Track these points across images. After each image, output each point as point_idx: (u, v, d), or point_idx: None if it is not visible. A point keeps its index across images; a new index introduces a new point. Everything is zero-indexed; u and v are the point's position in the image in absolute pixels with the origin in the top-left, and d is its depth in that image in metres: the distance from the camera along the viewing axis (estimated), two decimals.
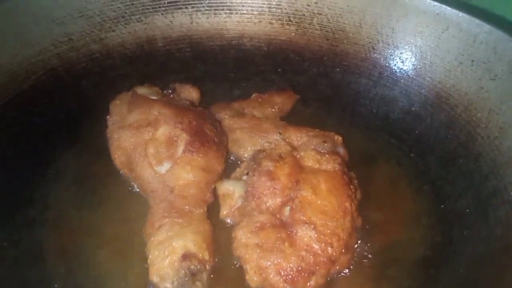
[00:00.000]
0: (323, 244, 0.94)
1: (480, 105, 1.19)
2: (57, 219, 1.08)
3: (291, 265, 0.92)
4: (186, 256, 0.92)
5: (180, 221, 0.96)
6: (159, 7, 1.45)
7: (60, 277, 0.97)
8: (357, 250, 1.03)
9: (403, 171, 1.22)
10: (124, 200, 1.13)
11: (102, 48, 1.40)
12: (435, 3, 1.30)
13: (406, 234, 1.08)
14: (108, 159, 1.16)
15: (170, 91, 1.32)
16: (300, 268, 0.92)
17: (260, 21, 1.49)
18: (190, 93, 1.32)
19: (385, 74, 1.38)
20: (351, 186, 1.05)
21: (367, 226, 1.08)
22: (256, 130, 1.23)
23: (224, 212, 1.08)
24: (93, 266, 1.00)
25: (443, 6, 1.29)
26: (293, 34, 1.48)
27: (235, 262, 1.00)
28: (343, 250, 0.96)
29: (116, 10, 1.40)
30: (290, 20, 1.47)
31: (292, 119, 1.35)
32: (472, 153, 1.16)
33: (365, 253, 1.03)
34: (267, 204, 1.00)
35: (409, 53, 1.35)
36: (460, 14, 1.26)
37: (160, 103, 1.13)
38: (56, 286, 0.96)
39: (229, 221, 1.09)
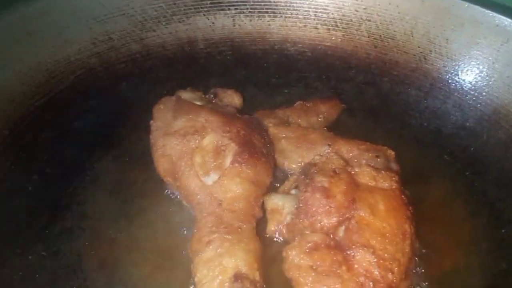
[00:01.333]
0: (383, 270, 0.88)
1: None
2: (95, 229, 1.04)
3: None
4: (238, 277, 0.86)
5: (230, 237, 0.91)
6: (202, 7, 1.40)
7: None
8: (418, 277, 0.96)
9: (458, 191, 1.15)
10: (165, 210, 1.08)
11: (143, 48, 1.36)
12: (494, 13, 1.24)
13: (464, 260, 1.01)
14: (148, 165, 1.11)
15: (212, 96, 1.27)
16: None
17: (305, 25, 1.44)
18: (233, 98, 1.26)
19: (437, 86, 1.32)
20: (410, 207, 0.98)
21: (424, 250, 1.01)
22: (303, 140, 1.17)
23: (271, 228, 1.02)
24: (133, 281, 0.95)
25: (503, 17, 1.22)
26: (339, 40, 1.42)
27: (285, 282, 0.94)
28: (403, 277, 0.90)
29: (157, 9, 1.36)
30: (336, 26, 1.42)
31: (337, 129, 1.28)
32: None
33: (424, 280, 0.96)
34: (322, 223, 0.94)
35: (464, 65, 1.28)
36: None
37: (207, 110, 1.07)
38: None
39: (276, 238, 1.03)
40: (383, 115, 1.35)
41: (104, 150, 1.19)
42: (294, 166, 1.14)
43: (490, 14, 1.24)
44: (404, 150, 1.24)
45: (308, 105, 1.32)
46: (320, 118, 1.29)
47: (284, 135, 1.19)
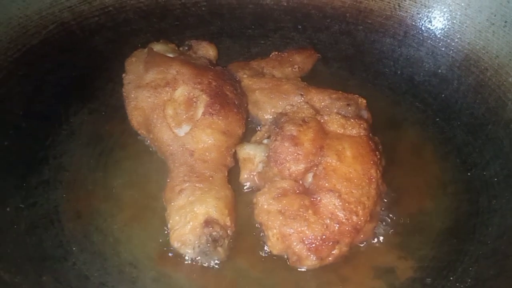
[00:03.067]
0: (348, 213, 0.91)
1: None
2: (71, 181, 1.06)
3: (315, 233, 0.90)
4: (208, 222, 0.89)
5: (201, 186, 0.93)
6: None
7: (77, 241, 0.95)
8: (383, 218, 0.99)
9: (428, 137, 1.18)
10: (141, 161, 1.10)
11: (116, 1, 1.34)
12: None
13: (431, 202, 1.05)
14: (124, 118, 1.13)
15: (187, 48, 1.27)
16: (324, 237, 0.89)
17: None
18: (207, 50, 1.27)
19: (411, 34, 1.32)
20: (377, 152, 1.01)
21: (392, 194, 1.04)
22: (276, 91, 1.18)
23: (244, 176, 1.05)
24: (110, 231, 0.98)
25: None
26: None
27: (257, 227, 0.97)
28: (368, 219, 0.93)
29: None
30: None
31: (312, 79, 1.30)
32: (502, 119, 1.12)
33: (389, 222, 1.00)
34: (290, 170, 0.97)
35: (437, 12, 1.29)
36: None
37: (178, 61, 1.08)
38: (74, 249, 0.94)
39: (248, 185, 1.06)
40: (357, 64, 1.36)
41: (80, 103, 1.20)
42: (267, 116, 1.16)
43: None
44: (377, 99, 1.27)
45: (283, 55, 1.32)
46: (295, 68, 1.30)
47: (257, 86, 1.20)
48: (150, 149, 1.11)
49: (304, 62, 1.33)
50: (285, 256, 0.93)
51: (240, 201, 1.01)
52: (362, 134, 1.01)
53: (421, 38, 1.30)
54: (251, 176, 1.05)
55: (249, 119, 1.18)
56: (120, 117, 1.14)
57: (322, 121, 1.04)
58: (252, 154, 1.05)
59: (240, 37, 1.42)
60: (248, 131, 1.14)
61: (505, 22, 1.17)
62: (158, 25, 1.38)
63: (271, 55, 1.32)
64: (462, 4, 1.24)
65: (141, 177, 1.08)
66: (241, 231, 0.98)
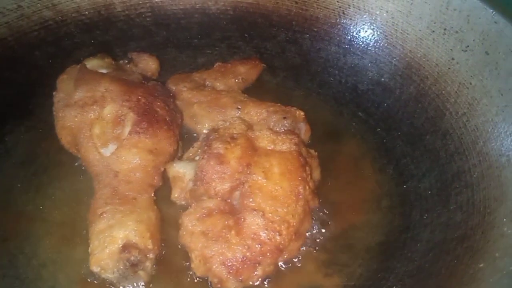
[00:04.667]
0: (271, 232, 0.90)
1: (451, 78, 1.12)
2: (2, 202, 1.04)
3: (236, 255, 0.89)
4: (126, 247, 0.88)
5: (122, 208, 0.92)
6: None
7: (1, 266, 0.94)
8: (312, 234, 0.98)
9: (368, 148, 1.17)
10: (74, 181, 1.09)
11: (56, 15, 1.32)
12: None
13: (364, 217, 1.04)
14: None
15: (127, 61, 1.25)
16: (245, 259, 0.88)
17: None
18: (148, 63, 1.26)
19: (355, 42, 1.30)
20: (307, 168, 0.99)
21: (325, 209, 1.03)
22: (214, 104, 1.17)
23: (175, 194, 1.04)
24: (36, 254, 0.97)
25: None
26: None
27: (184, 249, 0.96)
28: (293, 237, 0.92)
29: None
30: None
31: (257, 90, 1.29)
32: (439, 129, 1.10)
33: (319, 239, 0.99)
34: (216, 189, 0.95)
35: (380, 19, 1.27)
36: None
37: (107, 78, 1.06)
38: None
39: (182, 203, 1.04)
40: (303, 73, 1.34)
41: (16, 121, 1.19)
42: (205, 131, 1.14)
43: None
44: (321, 109, 1.26)
45: (227, 66, 1.31)
46: (238, 79, 1.29)
47: (196, 100, 1.19)
48: (83, 168, 1.09)
49: (248, 73, 1.31)
50: (208, 279, 0.91)
51: (174, 220, 0.99)
52: (292, 149, 1.00)
53: (365, 46, 1.29)
54: (183, 194, 1.04)
55: (186, 135, 1.17)
56: (57, 136, 1.12)
57: (253, 137, 1.02)
58: (182, 172, 1.03)
59: (186, 47, 1.40)
60: (187, 146, 1.12)
61: (444, 29, 1.15)
62: (101, 37, 1.36)
63: (214, 66, 1.30)
64: (404, 11, 1.22)
65: (73, 197, 1.06)
66: (171, 252, 0.97)
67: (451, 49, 1.13)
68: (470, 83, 1.08)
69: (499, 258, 0.78)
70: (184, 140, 1.14)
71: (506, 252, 0.78)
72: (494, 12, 1.07)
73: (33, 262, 0.96)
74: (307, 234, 0.98)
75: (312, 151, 1.08)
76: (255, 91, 1.26)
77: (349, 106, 1.26)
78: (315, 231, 1.00)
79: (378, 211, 1.05)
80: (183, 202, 1.04)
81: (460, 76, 1.11)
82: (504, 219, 0.84)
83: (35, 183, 1.09)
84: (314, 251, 0.97)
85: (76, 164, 1.11)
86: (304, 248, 0.97)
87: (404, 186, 1.08)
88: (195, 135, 1.17)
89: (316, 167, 1.07)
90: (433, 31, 1.17)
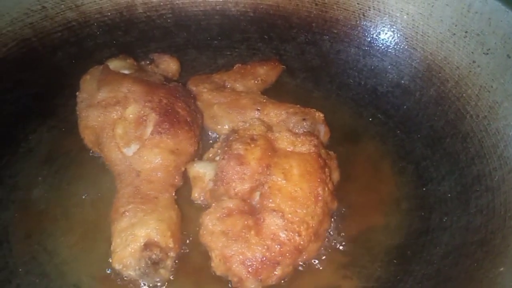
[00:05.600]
0: (291, 233, 0.91)
1: (472, 81, 1.12)
2: (24, 200, 1.06)
3: (256, 255, 0.89)
4: (148, 245, 0.89)
5: (144, 207, 0.93)
6: None
7: (24, 263, 0.96)
8: (331, 236, 0.99)
9: (387, 150, 1.17)
10: (95, 180, 1.11)
11: (79, 16, 1.34)
12: None
13: (383, 219, 1.04)
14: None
15: (148, 62, 1.27)
16: (264, 259, 0.89)
17: None
18: (169, 64, 1.27)
19: (375, 44, 1.31)
20: (326, 169, 1.00)
21: (344, 210, 1.03)
22: (234, 106, 1.18)
23: (195, 194, 1.05)
24: (58, 251, 0.99)
25: None
26: None
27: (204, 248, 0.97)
28: (312, 238, 0.93)
29: None
30: None
31: (277, 91, 1.30)
32: (460, 132, 1.10)
33: (338, 240, 0.99)
34: (236, 189, 0.96)
35: (400, 21, 1.27)
36: None
37: (130, 79, 1.08)
38: (20, 270, 0.95)
39: (201, 202, 1.05)
40: (323, 75, 1.35)
41: (39, 120, 1.21)
42: (224, 131, 1.15)
43: None
44: (340, 110, 1.27)
45: (246, 68, 1.32)
46: (258, 81, 1.29)
47: (216, 101, 1.20)
48: (106, 167, 1.11)
49: (268, 74, 1.32)
50: (228, 278, 0.92)
51: (194, 220, 1.01)
52: (311, 151, 1.01)
53: (385, 48, 1.29)
54: (203, 194, 1.05)
55: (208, 134, 1.18)
56: (79, 135, 1.14)
57: (272, 138, 1.03)
58: (202, 172, 1.04)
59: (207, 49, 1.41)
60: (207, 147, 1.14)
61: (466, 32, 1.15)
62: (123, 38, 1.38)
63: (234, 68, 1.31)
64: (425, 13, 1.22)
65: (95, 196, 1.08)
66: (192, 251, 0.98)
67: (472, 52, 1.13)
68: (491, 86, 1.07)
69: None
70: (204, 140, 1.15)
71: None
72: None
73: (55, 259, 0.98)
74: (326, 235, 0.98)
75: (331, 152, 1.09)
76: (275, 93, 1.27)
77: (368, 108, 1.26)
78: (334, 233, 1.00)
79: (397, 213, 1.05)
80: (203, 202, 1.05)
81: (481, 79, 1.10)
82: None
83: (57, 181, 1.11)
84: (333, 253, 0.97)
85: (98, 163, 1.12)
86: (323, 250, 0.97)
87: (424, 189, 1.07)
88: (215, 135, 1.17)
89: (335, 168, 1.08)
90: (454, 34, 1.17)
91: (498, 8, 1.09)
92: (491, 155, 1.01)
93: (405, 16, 1.25)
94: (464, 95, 1.12)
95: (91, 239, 1.01)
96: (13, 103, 1.20)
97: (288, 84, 1.34)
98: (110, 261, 0.92)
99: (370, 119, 1.24)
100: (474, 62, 1.12)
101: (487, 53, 1.10)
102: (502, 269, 0.80)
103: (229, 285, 0.93)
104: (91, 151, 1.13)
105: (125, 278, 0.93)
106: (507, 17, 1.08)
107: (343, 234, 1.01)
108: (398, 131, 1.20)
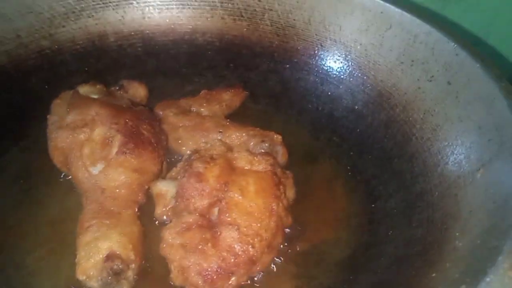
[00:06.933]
0: (245, 245, 0.97)
1: (417, 106, 1.21)
2: None
3: (211, 265, 0.95)
4: (110, 257, 0.95)
5: (108, 222, 0.99)
6: (110, 2, 1.46)
7: None
8: (284, 249, 1.05)
9: (341, 170, 1.25)
10: (65, 198, 1.16)
11: (52, 44, 1.41)
12: (380, 1, 1.31)
13: (335, 234, 1.10)
14: None
15: (118, 88, 1.34)
16: (219, 269, 0.95)
17: (212, 16, 1.50)
18: (137, 90, 1.34)
19: (331, 72, 1.40)
20: (281, 187, 1.07)
21: (298, 227, 1.10)
22: (198, 128, 1.25)
23: (158, 211, 1.11)
24: (26, 264, 1.03)
25: (387, 4, 1.29)
26: (245, 29, 1.49)
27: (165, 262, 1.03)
28: (265, 250, 0.99)
29: (66, 5, 1.41)
30: (242, 16, 1.48)
31: (240, 116, 1.37)
32: (406, 153, 1.18)
33: (291, 253, 1.06)
34: (195, 205, 1.03)
35: (354, 51, 1.36)
36: (402, 13, 1.27)
37: (98, 103, 1.14)
38: None
39: (164, 219, 1.11)
40: (284, 101, 1.43)
41: (12, 142, 1.26)
42: (188, 152, 1.22)
43: (377, 1, 1.31)
44: (299, 134, 1.35)
45: (212, 94, 1.39)
46: (222, 106, 1.37)
47: (181, 124, 1.27)
48: (74, 188, 1.16)
49: (232, 100, 1.40)
50: None
51: (156, 235, 1.06)
52: (268, 169, 1.08)
53: (341, 76, 1.38)
54: (165, 211, 1.11)
55: (174, 157, 1.25)
56: (50, 156, 1.20)
57: (231, 157, 1.10)
58: (165, 190, 1.11)
59: (175, 76, 1.49)
60: (171, 167, 1.20)
61: (412, 61, 1.24)
62: (94, 66, 1.44)
63: (200, 93, 1.39)
64: (376, 44, 1.32)
65: (63, 213, 1.13)
66: (152, 265, 1.04)
67: (418, 79, 1.22)
68: (434, 110, 1.16)
69: (449, 268, 0.85)
70: (168, 161, 1.22)
71: (455, 263, 0.85)
72: (455, 45, 1.16)
73: (22, 271, 1.02)
74: (279, 248, 1.05)
75: (288, 172, 1.16)
76: (238, 117, 1.35)
77: (325, 131, 1.34)
78: (287, 246, 1.06)
79: (348, 228, 1.12)
80: (165, 219, 1.11)
81: (425, 104, 1.19)
82: (457, 233, 0.92)
83: (28, 199, 1.16)
84: (286, 264, 1.04)
85: (67, 183, 1.18)
86: (276, 261, 1.03)
87: (372, 205, 1.15)
88: (180, 157, 1.24)
89: (291, 187, 1.15)
90: (402, 63, 1.26)
91: (440, 39, 1.19)
92: (432, 173, 1.09)
93: (358, 46, 1.35)
94: (410, 118, 1.21)
95: (58, 253, 1.06)
96: None
97: (251, 109, 1.42)
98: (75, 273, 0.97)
99: (327, 142, 1.32)
100: (419, 88, 1.21)
101: (431, 80, 1.19)
102: (434, 274, 0.87)
103: None
104: (62, 174, 1.19)
105: None
106: (448, 47, 1.17)
107: (296, 247, 1.07)
108: (352, 153, 1.28)
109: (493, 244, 0.77)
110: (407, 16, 1.26)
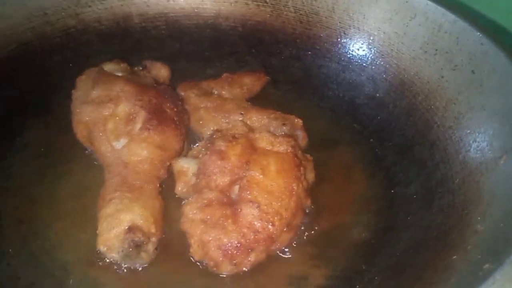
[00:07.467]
0: (265, 222, 0.98)
1: (440, 94, 1.21)
2: (18, 189, 1.13)
3: (231, 240, 0.96)
4: (131, 229, 0.96)
5: (130, 195, 1.00)
6: None
7: (14, 245, 1.02)
8: (302, 229, 1.06)
9: (361, 156, 1.25)
10: (86, 173, 1.17)
11: (78, 23, 1.43)
12: None
13: (353, 217, 1.11)
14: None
15: (141, 68, 1.35)
16: (239, 244, 0.96)
17: (236, 1, 1.51)
18: (160, 70, 1.35)
19: (354, 59, 1.40)
20: (301, 168, 1.07)
21: (317, 208, 1.10)
22: (219, 110, 1.26)
23: (178, 188, 1.12)
24: (48, 236, 1.05)
25: None
26: (268, 16, 1.49)
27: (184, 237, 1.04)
28: (284, 229, 1.00)
29: None
30: (265, 2, 1.49)
31: (261, 100, 1.38)
32: (427, 140, 1.18)
33: (310, 233, 1.06)
34: (216, 182, 1.03)
35: (377, 39, 1.36)
36: (428, 3, 1.27)
37: (123, 80, 1.16)
38: (10, 251, 1.01)
39: (185, 196, 1.12)
40: (305, 87, 1.43)
41: (35, 117, 1.28)
42: (209, 133, 1.23)
43: None
44: (320, 119, 1.35)
45: (234, 77, 1.40)
46: (243, 89, 1.38)
47: (203, 105, 1.28)
48: (95, 162, 1.18)
49: (253, 84, 1.40)
50: (205, 263, 0.99)
51: (176, 211, 1.07)
52: (289, 151, 1.08)
53: (363, 64, 1.38)
54: (186, 188, 1.12)
55: (192, 137, 1.26)
56: (72, 132, 1.21)
57: (253, 138, 1.11)
58: (186, 167, 1.12)
59: (197, 59, 1.50)
60: (191, 146, 1.21)
61: (436, 50, 1.24)
62: (118, 46, 1.46)
63: (222, 76, 1.40)
64: (399, 32, 1.31)
65: (84, 187, 1.14)
66: (171, 239, 1.05)
67: (441, 68, 1.22)
68: (457, 99, 1.16)
69: (470, 251, 0.85)
70: (189, 141, 1.23)
71: (477, 245, 0.85)
72: (480, 35, 1.15)
73: (44, 243, 1.03)
74: (298, 228, 1.05)
75: (308, 155, 1.17)
76: (259, 101, 1.35)
77: (345, 118, 1.34)
78: (306, 227, 1.07)
79: (367, 212, 1.12)
80: (186, 196, 1.12)
81: (448, 92, 1.19)
82: (479, 218, 0.92)
83: (50, 173, 1.17)
84: (304, 245, 1.04)
85: (87, 159, 1.20)
86: (294, 241, 1.04)
87: (392, 191, 1.15)
88: (201, 138, 1.25)
89: (310, 170, 1.15)
90: (426, 52, 1.26)
91: (465, 29, 1.19)
92: (454, 160, 1.09)
93: (382, 35, 1.35)
94: (432, 107, 1.21)
95: (79, 225, 1.07)
96: (13, 100, 1.27)
97: (272, 95, 1.43)
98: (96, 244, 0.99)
99: (347, 128, 1.32)
100: (442, 77, 1.21)
101: (454, 69, 1.19)
102: (455, 257, 0.87)
103: (205, 269, 0.99)
104: (84, 150, 1.21)
105: (108, 261, 0.99)
106: (473, 37, 1.17)
107: (315, 228, 1.07)
108: (372, 140, 1.28)
109: None
110: (432, 6, 1.26)
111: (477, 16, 1.30)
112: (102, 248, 0.97)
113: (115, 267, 0.99)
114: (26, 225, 1.07)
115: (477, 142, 1.07)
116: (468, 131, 1.10)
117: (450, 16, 1.22)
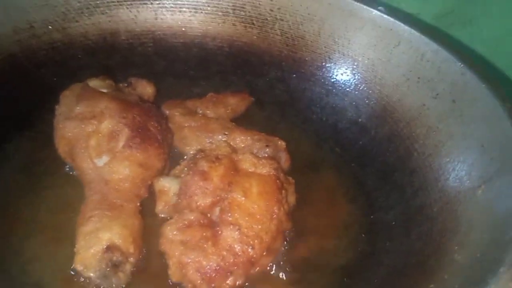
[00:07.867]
0: (245, 246, 0.97)
1: (421, 122, 1.23)
2: None
3: (211, 263, 0.96)
4: (110, 248, 0.95)
5: (110, 214, 1.00)
6: (125, 0, 1.48)
7: None
8: (282, 253, 1.06)
9: (342, 180, 1.26)
10: (66, 189, 1.16)
11: (64, 37, 1.43)
12: (390, 18, 1.33)
13: (333, 242, 1.11)
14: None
15: (126, 85, 1.35)
16: (218, 267, 0.95)
17: (224, 22, 1.52)
18: (145, 88, 1.35)
19: (337, 84, 1.41)
20: (283, 191, 1.08)
21: (297, 232, 1.11)
22: (203, 129, 1.26)
23: (159, 207, 1.11)
24: (23, 252, 1.03)
25: (397, 22, 1.32)
26: (255, 37, 1.51)
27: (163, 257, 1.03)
28: (264, 253, 1.00)
29: (81, 1, 1.43)
30: (253, 23, 1.50)
31: (245, 121, 1.38)
32: (407, 167, 1.20)
33: (290, 257, 1.06)
34: (198, 203, 1.03)
35: (362, 65, 1.38)
36: (411, 31, 1.29)
37: (107, 97, 1.16)
38: None
39: (164, 216, 1.12)
40: (289, 109, 1.44)
41: (18, 131, 1.26)
42: (192, 152, 1.23)
43: (387, 18, 1.34)
44: (303, 142, 1.36)
45: (218, 97, 1.41)
46: (228, 109, 1.38)
47: (187, 124, 1.28)
48: (76, 179, 1.17)
49: (238, 105, 1.41)
50: (183, 285, 0.98)
51: (156, 231, 1.07)
52: (271, 173, 1.09)
53: (346, 89, 1.40)
54: (166, 208, 1.12)
55: (177, 154, 1.26)
56: (54, 147, 1.20)
57: (236, 159, 1.11)
58: (167, 187, 1.11)
59: (183, 78, 1.50)
60: (174, 165, 1.21)
61: (418, 78, 1.26)
62: (104, 62, 1.46)
63: (207, 96, 1.40)
64: (383, 59, 1.34)
65: (63, 203, 1.13)
66: (150, 260, 1.04)
67: (423, 96, 1.24)
68: (438, 127, 1.18)
69: (447, 280, 0.86)
70: (172, 159, 1.23)
71: (454, 274, 0.86)
72: (462, 65, 1.18)
73: (19, 258, 1.02)
74: (278, 251, 1.05)
75: (290, 178, 1.17)
76: (243, 122, 1.35)
77: (328, 141, 1.36)
78: (286, 250, 1.07)
79: (346, 237, 1.12)
80: (166, 215, 1.12)
81: (429, 120, 1.21)
82: (456, 247, 0.93)
83: (30, 188, 1.16)
84: (283, 269, 1.04)
85: (68, 175, 1.19)
86: (274, 265, 1.04)
87: (372, 217, 1.16)
88: (184, 157, 1.25)
89: (292, 193, 1.16)
90: (408, 79, 1.28)
91: (447, 58, 1.21)
92: (433, 188, 1.10)
93: (366, 61, 1.37)
94: (413, 134, 1.23)
95: (56, 242, 1.05)
96: None
97: (256, 115, 1.43)
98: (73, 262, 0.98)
99: (329, 152, 1.33)
100: (424, 105, 1.23)
101: (436, 98, 1.21)
102: (432, 286, 0.88)
103: None
104: (65, 166, 1.19)
105: (84, 280, 0.98)
106: (454, 67, 1.19)
107: (295, 252, 1.08)
108: (353, 164, 1.29)
109: (493, 256, 0.78)
110: (415, 34, 1.28)
111: (460, 46, 1.32)
112: (79, 267, 0.96)
113: (92, 286, 0.97)
114: (3, 241, 1.05)
115: (456, 171, 1.08)
116: (448, 160, 1.12)
117: (433, 45, 1.24)
